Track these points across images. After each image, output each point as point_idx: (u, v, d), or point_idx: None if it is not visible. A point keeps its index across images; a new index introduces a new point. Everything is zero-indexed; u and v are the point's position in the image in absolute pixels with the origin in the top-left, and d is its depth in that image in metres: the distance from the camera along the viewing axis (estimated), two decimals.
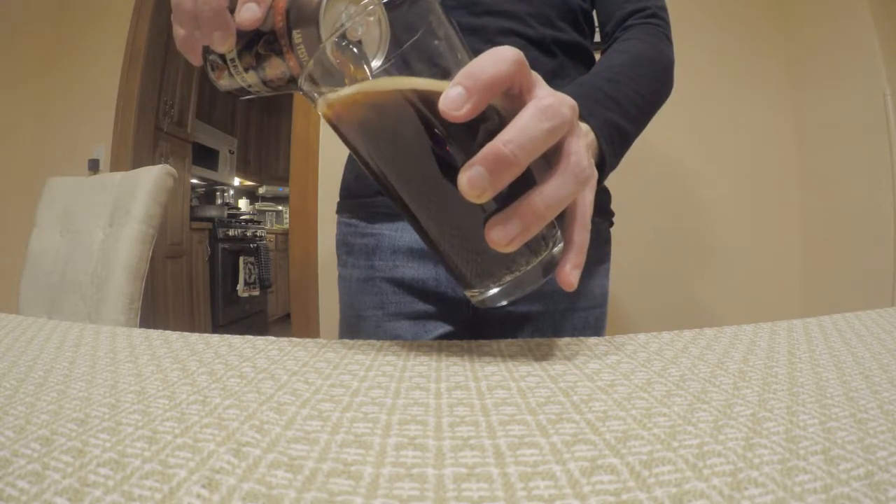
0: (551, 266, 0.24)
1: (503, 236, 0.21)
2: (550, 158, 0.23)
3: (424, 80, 0.21)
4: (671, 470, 0.13)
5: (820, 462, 0.13)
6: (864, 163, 1.26)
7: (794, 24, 1.45)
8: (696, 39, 1.43)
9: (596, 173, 0.28)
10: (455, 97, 0.19)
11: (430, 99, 0.21)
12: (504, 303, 0.24)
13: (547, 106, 0.21)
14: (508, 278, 0.24)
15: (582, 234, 0.25)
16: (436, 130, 0.21)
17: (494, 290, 0.24)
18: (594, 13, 0.55)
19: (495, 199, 0.21)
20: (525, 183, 0.22)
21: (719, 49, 1.47)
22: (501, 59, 0.21)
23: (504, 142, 0.20)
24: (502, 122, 0.21)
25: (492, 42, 0.25)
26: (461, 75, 0.20)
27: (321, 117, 0.24)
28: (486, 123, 0.21)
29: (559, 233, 0.25)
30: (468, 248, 0.24)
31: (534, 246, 0.24)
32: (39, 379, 0.22)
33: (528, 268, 0.24)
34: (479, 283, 0.24)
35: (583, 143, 0.24)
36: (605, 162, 0.36)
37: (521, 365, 0.25)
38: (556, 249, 0.25)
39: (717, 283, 1.46)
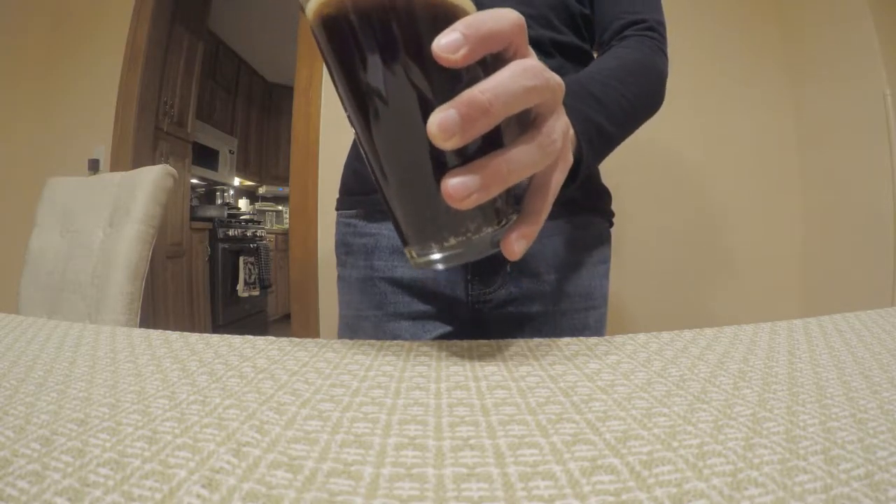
0: (498, 242, 0.24)
1: (460, 189, 0.20)
2: (525, 127, 0.23)
3: None
4: (671, 470, 0.13)
5: (820, 462, 0.13)
6: (864, 163, 1.26)
7: (795, 25, 1.45)
8: (696, 40, 1.43)
9: (570, 158, 0.27)
10: (451, 41, 0.19)
11: (423, 18, 0.20)
12: (440, 268, 0.24)
13: (530, 66, 0.21)
14: (452, 242, 0.23)
15: (540, 207, 0.25)
16: (420, 62, 0.20)
17: (436, 254, 0.23)
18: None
19: (459, 153, 0.21)
20: (494, 145, 0.22)
21: (720, 50, 1.47)
22: (503, 17, 0.21)
23: (481, 90, 0.20)
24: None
25: None
26: (460, 23, 0.20)
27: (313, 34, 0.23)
28: (472, 74, 0.21)
29: (515, 216, 0.25)
30: (420, 201, 0.23)
31: (486, 215, 0.23)
32: (39, 379, 0.22)
33: (475, 237, 0.23)
34: (421, 242, 0.24)
35: (561, 122, 0.24)
36: (583, 161, 0.35)
37: (521, 365, 0.25)
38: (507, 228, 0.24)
39: (718, 283, 1.46)
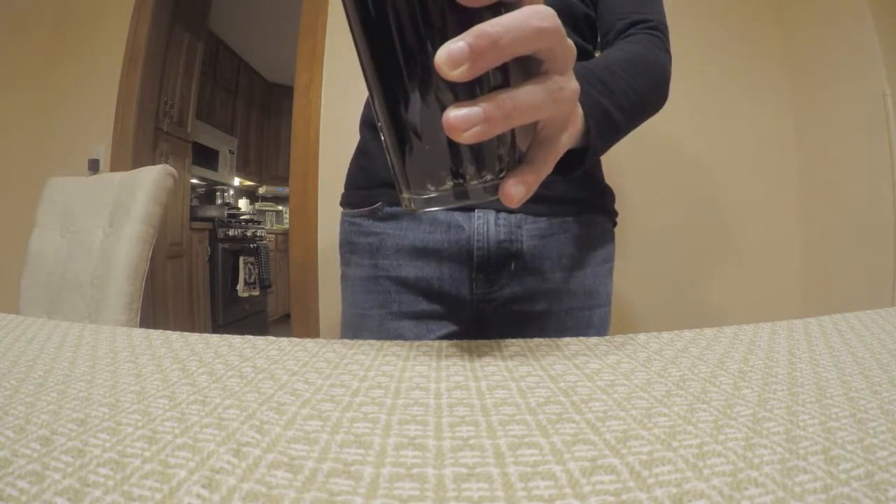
0: (495, 189, 0.23)
1: (462, 120, 0.20)
2: (532, 76, 0.23)
3: None
4: (671, 470, 0.13)
5: (820, 462, 0.13)
6: (864, 163, 1.26)
7: (795, 26, 1.45)
8: (697, 41, 1.43)
9: (580, 123, 0.27)
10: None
11: None
12: (433, 208, 0.24)
13: (544, 9, 0.21)
14: (449, 184, 0.23)
15: (543, 158, 0.24)
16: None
17: (431, 195, 0.23)
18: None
19: (466, 94, 0.21)
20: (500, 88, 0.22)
21: (720, 51, 1.47)
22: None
23: (491, 24, 0.19)
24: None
25: None
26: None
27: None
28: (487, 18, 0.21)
29: (513, 164, 0.24)
30: (423, 139, 0.22)
31: (487, 160, 0.23)
32: (39, 379, 0.22)
33: (473, 181, 0.22)
34: (418, 183, 0.23)
35: (572, 83, 0.24)
36: (590, 143, 0.34)
37: (521, 365, 0.25)
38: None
39: (718, 282, 1.46)
